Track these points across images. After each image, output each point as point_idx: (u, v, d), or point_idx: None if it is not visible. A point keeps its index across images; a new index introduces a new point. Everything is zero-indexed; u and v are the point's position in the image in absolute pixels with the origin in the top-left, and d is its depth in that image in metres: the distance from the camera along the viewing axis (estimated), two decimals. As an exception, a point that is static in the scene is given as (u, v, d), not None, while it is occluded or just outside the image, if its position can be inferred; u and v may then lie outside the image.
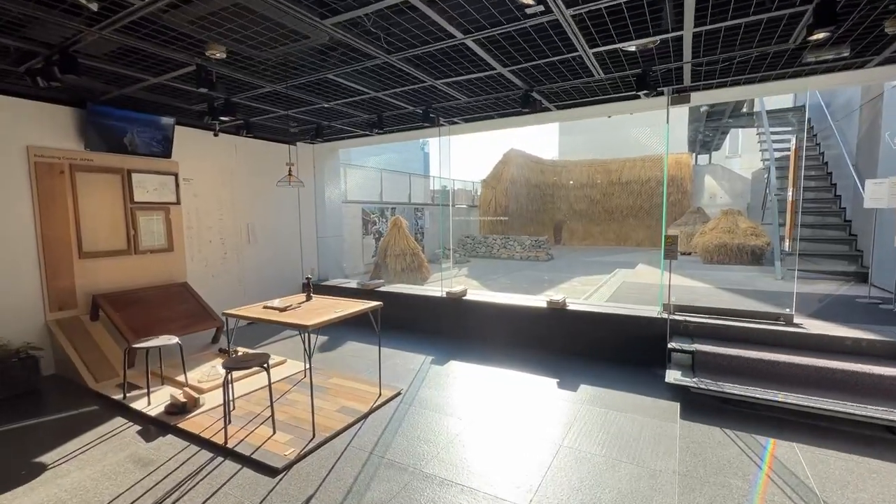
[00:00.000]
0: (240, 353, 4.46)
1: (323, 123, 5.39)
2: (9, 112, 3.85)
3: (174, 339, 3.58)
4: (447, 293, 5.36)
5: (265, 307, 3.31)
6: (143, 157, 4.74)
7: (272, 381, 3.52)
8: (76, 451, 2.76)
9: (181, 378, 3.82)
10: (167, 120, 4.78)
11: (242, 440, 2.81)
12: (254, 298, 6.00)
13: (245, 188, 5.91)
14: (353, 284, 6.47)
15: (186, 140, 5.14)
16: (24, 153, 3.95)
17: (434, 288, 5.94)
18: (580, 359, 4.33)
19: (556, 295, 4.82)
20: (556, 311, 4.61)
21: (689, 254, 10.36)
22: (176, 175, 5.08)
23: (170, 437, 2.93)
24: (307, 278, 3.63)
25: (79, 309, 4.31)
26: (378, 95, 4.17)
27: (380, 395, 3.49)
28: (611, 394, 3.52)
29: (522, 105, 4.01)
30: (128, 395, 3.53)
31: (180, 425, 3.03)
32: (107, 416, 3.24)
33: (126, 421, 3.17)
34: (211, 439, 2.83)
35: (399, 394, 3.56)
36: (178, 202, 5.11)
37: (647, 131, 18.71)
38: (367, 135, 6.14)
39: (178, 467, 2.57)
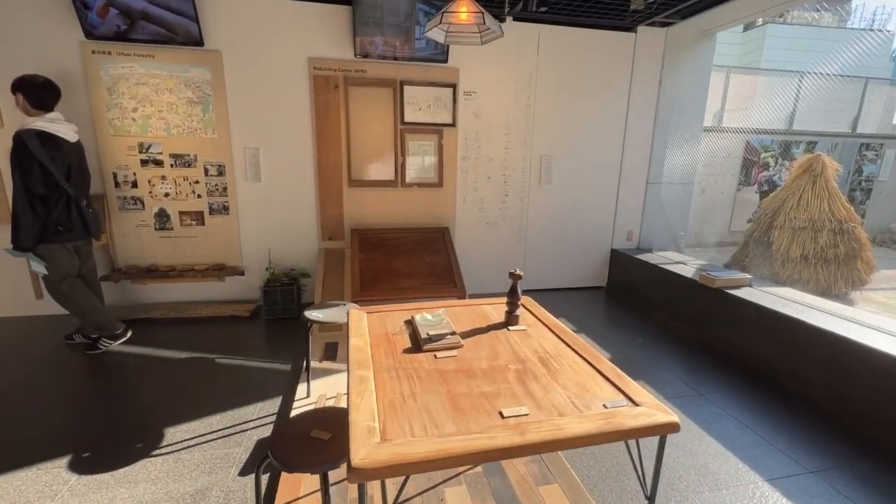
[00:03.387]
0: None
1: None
2: (293, 19, 3.53)
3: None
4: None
5: (402, 329, 1.60)
6: (417, 63, 3.75)
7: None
8: (190, 443, 2.13)
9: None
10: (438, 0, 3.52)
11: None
12: (535, 265, 4.45)
13: (548, 104, 4.15)
14: (685, 269, 3.77)
15: (468, 36, 3.79)
16: (306, 66, 3.64)
17: (878, 316, 2.49)
18: None
19: None
20: None
21: None
22: (454, 87, 3.89)
23: (262, 485, 1.88)
24: (514, 275, 1.61)
25: (345, 241, 4.03)
26: None
27: None
28: None
29: None
30: (313, 366, 2.81)
31: (283, 475, 1.92)
32: (276, 390, 2.59)
33: (270, 413, 2.38)
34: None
35: None
36: (453, 124, 3.97)
37: None
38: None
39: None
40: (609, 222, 4.60)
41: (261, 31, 3.49)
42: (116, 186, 3.55)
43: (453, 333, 1.47)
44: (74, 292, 2.95)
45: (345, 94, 3.73)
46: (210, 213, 3.74)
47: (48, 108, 2.79)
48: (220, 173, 3.68)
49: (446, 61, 3.76)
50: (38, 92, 2.73)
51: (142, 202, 3.61)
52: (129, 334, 3.18)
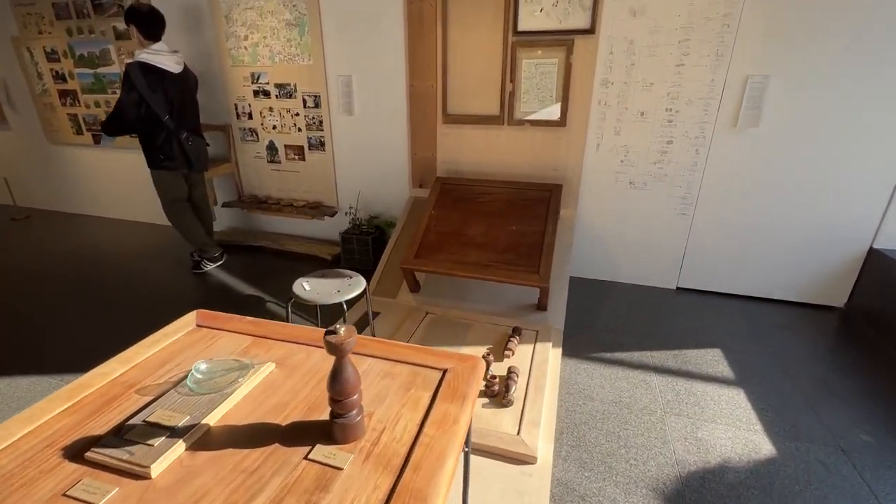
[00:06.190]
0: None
1: None
2: None
3: (348, 295, 1.91)
4: None
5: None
6: (540, -63, 2.53)
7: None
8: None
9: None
10: None
11: None
12: (705, 255, 2.98)
13: (769, -18, 2.36)
14: None
15: None
16: (399, -34, 2.90)
17: None
18: None
19: None
20: None
21: None
22: (598, -31, 2.53)
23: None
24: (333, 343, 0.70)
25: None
26: None
27: None
28: None
29: None
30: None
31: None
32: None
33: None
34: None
35: None
36: (591, 30, 2.66)
37: None
38: None
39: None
40: (876, 201, 2.56)
41: (349, -76, 2.87)
42: (238, 118, 3.70)
43: (193, 428, 0.72)
44: (180, 216, 3.23)
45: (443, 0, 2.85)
46: (309, 149, 3.59)
47: (155, 37, 2.88)
48: (317, 105, 3.42)
49: (587, -75, 2.43)
50: (144, 22, 2.82)
51: (256, 134, 3.70)
52: (223, 259, 3.40)
